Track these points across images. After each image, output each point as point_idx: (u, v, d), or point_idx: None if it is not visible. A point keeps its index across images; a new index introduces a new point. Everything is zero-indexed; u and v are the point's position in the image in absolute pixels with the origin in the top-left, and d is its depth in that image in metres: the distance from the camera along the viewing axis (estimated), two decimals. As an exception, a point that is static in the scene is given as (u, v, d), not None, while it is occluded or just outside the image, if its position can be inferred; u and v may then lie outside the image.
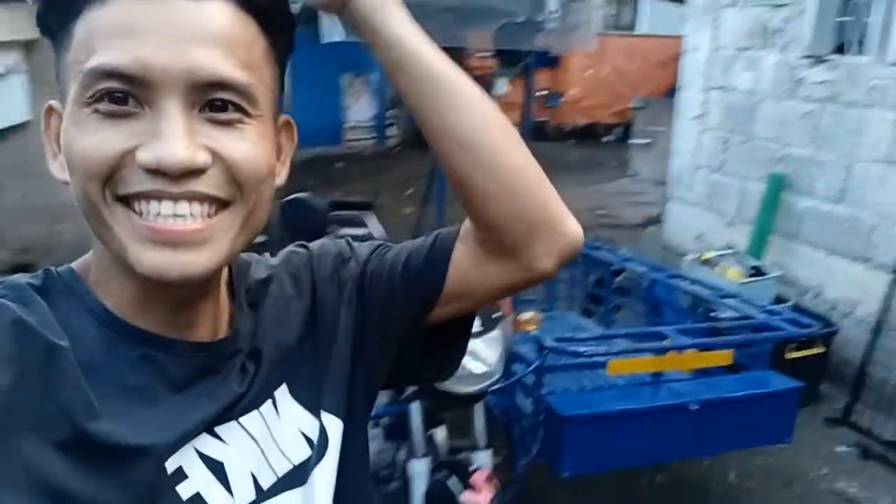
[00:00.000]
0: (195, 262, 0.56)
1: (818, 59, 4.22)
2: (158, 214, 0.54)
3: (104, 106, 0.54)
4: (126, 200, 0.55)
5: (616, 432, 2.45)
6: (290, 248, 0.79)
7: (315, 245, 0.79)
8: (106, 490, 0.55)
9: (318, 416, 0.71)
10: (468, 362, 1.97)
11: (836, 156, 4.12)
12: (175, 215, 0.55)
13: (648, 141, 9.23)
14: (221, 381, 0.65)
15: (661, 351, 2.56)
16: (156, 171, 0.53)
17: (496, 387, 2.37)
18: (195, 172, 0.54)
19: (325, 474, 0.70)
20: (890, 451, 3.44)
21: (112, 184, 0.55)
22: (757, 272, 4.24)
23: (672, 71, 5.82)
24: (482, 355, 1.97)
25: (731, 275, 4.15)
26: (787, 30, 4.45)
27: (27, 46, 4.69)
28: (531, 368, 2.44)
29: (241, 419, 0.65)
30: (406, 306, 0.74)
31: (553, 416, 2.42)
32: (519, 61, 2.82)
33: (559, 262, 0.71)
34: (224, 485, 0.62)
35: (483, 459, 2.07)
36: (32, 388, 0.54)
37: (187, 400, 0.61)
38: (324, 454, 0.70)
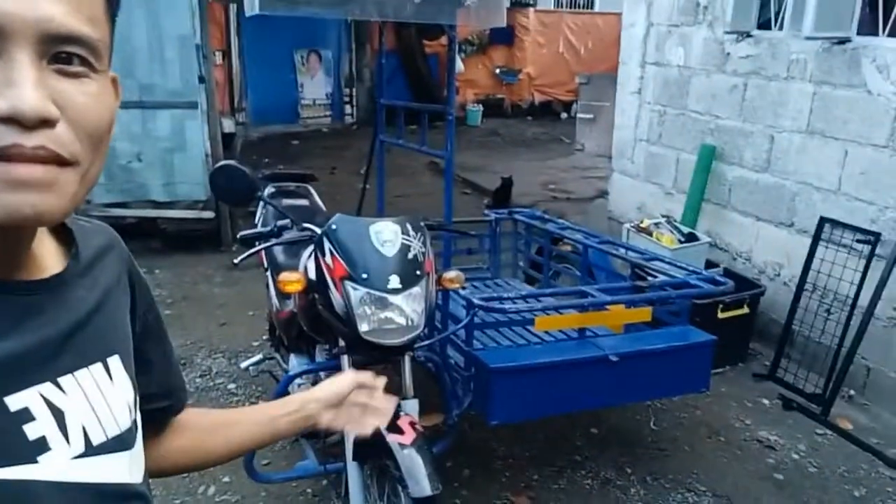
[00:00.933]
0: (47, 202, 0.58)
1: (742, 35, 4.42)
2: (9, 161, 0.56)
3: None
4: None
5: (541, 383, 2.62)
6: (115, 233, 0.84)
7: (129, 254, 0.86)
8: None
9: (136, 398, 0.77)
10: (394, 316, 2.11)
11: (760, 127, 4.33)
12: (26, 162, 0.56)
13: (592, 116, 9.42)
14: (52, 320, 0.67)
15: (584, 307, 2.73)
16: (9, 120, 0.55)
17: (427, 342, 2.53)
18: (47, 123, 0.56)
19: (140, 450, 0.76)
20: (810, 402, 3.68)
21: None
22: (689, 239, 4.45)
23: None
24: (405, 310, 2.10)
25: (665, 241, 4.35)
26: (713, 6, 4.63)
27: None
28: (460, 325, 2.59)
29: (77, 373, 0.68)
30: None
31: (482, 369, 2.57)
32: (438, 34, 2.90)
33: None
34: (63, 433, 0.64)
35: (411, 407, 2.21)
36: None
37: (22, 338, 0.63)
38: (136, 431, 0.76)
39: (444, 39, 13.27)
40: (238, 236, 2.35)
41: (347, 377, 1.04)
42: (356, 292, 2.08)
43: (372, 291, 2.08)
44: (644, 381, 2.81)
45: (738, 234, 4.58)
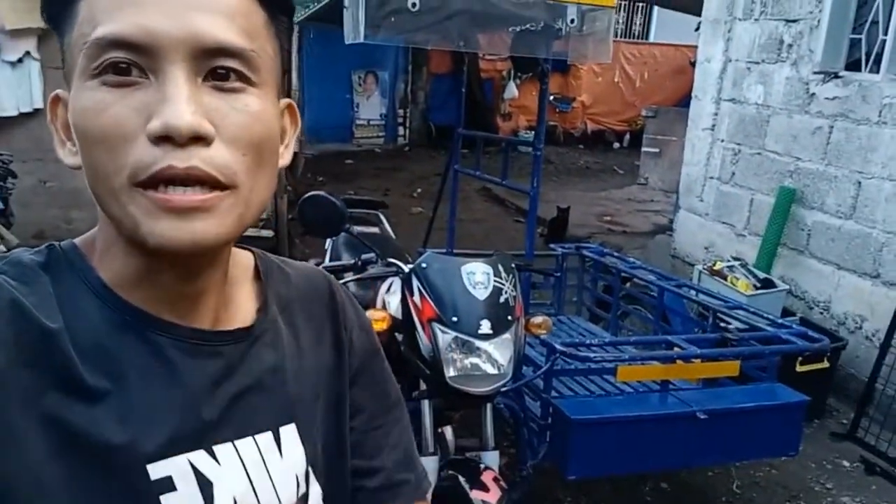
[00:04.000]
0: (205, 229, 0.55)
1: (830, 75, 4.24)
2: (168, 186, 0.54)
3: (111, 78, 0.54)
4: (142, 186, 0.55)
5: (624, 438, 2.47)
6: (326, 281, 0.79)
7: (363, 313, 0.81)
8: (85, 487, 0.54)
9: (308, 469, 0.70)
10: (482, 363, 1.99)
11: (846, 172, 4.13)
12: (184, 186, 0.55)
13: (658, 150, 9.24)
14: (221, 380, 0.63)
15: (671, 359, 2.58)
16: (164, 139, 0.53)
17: (505, 388, 2.40)
18: (201, 140, 0.54)
19: None
20: (894, 468, 3.45)
21: (131, 170, 0.54)
22: (765, 284, 4.25)
23: (684, 80, 5.80)
24: (494, 357, 1.99)
25: (740, 286, 4.16)
26: (799, 44, 4.46)
27: (41, 35, 4.73)
28: (540, 372, 2.46)
29: (238, 442, 0.64)
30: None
31: (562, 420, 2.43)
32: (533, 67, 2.81)
33: None
34: None
35: (491, 460, 2.08)
36: (23, 373, 0.53)
37: (179, 396, 0.60)
38: None
39: (499, 65, 13.38)
40: (321, 269, 2.26)
41: None
42: (445, 336, 1.97)
43: (461, 336, 1.97)
44: (730, 440, 2.63)
45: (816, 283, 4.36)
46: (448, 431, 2.42)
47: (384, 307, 2.30)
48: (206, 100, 0.55)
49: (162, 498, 0.57)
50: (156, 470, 0.57)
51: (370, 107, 12.21)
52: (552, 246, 4.12)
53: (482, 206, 8.64)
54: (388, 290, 2.39)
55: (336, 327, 0.76)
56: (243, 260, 0.72)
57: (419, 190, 8.94)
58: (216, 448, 0.61)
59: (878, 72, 4.01)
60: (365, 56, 11.51)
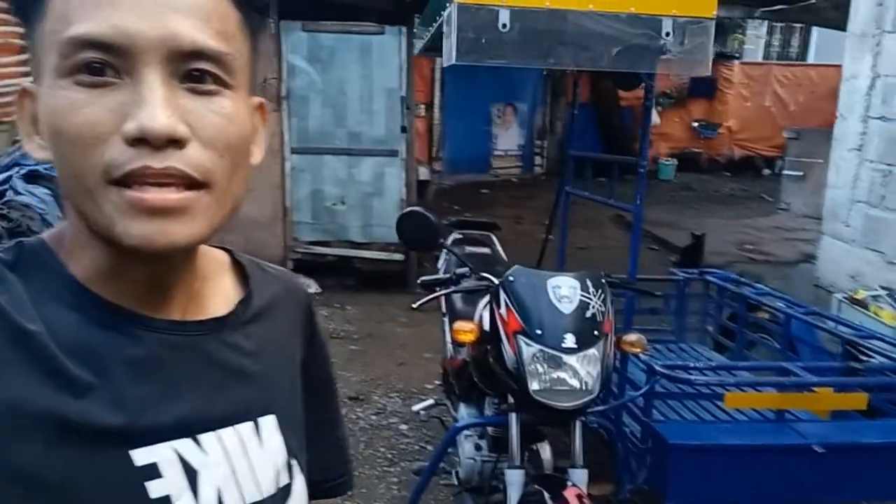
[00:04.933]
0: (180, 231, 0.56)
1: None
2: (144, 185, 0.54)
3: (84, 77, 0.54)
4: (115, 183, 0.55)
5: (728, 467, 2.35)
6: (299, 284, 0.82)
7: (323, 333, 0.83)
8: (75, 475, 0.55)
9: (290, 461, 0.71)
10: (566, 377, 1.99)
11: None
12: (160, 186, 0.55)
13: (801, 173, 8.67)
14: (201, 368, 0.64)
15: (785, 387, 2.44)
16: (139, 141, 0.53)
17: (601, 408, 2.37)
18: (176, 143, 0.54)
19: None
20: None
21: (105, 168, 0.54)
22: (917, 316, 3.87)
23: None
24: (579, 371, 1.98)
25: (885, 317, 3.82)
26: (957, 54, 4.08)
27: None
28: (639, 393, 2.41)
29: (221, 431, 0.64)
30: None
31: (660, 443, 2.37)
32: (635, 84, 2.78)
33: None
34: (193, 495, 0.61)
35: (578, 477, 2.06)
36: (7, 371, 0.54)
37: (161, 384, 0.61)
38: (287, 499, 0.70)
39: (639, 92, 13.14)
40: (419, 281, 2.38)
41: None
42: (529, 348, 2.00)
43: (545, 349, 1.99)
44: (853, 478, 2.43)
45: (980, 316, 3.91)
46: (546, 450, 2.41)
47: (480, 321, 2.36)
48: (182, 102, 0.56)
49: (147, 484, 0.58)
50: (140, 457, 0.58)
51: (508, 138, 12.40)
52: (672, 270, 4.00)
53: (615, 233, 8.48)
54: (485, 306, 2.45)
55: (306, 325, 0.79)
56: (217, 256, 0.73)
57: (549, 218, 8.95)
58: (201, 437, 0.62)
59: None
60: (504, 88, 11.76)
